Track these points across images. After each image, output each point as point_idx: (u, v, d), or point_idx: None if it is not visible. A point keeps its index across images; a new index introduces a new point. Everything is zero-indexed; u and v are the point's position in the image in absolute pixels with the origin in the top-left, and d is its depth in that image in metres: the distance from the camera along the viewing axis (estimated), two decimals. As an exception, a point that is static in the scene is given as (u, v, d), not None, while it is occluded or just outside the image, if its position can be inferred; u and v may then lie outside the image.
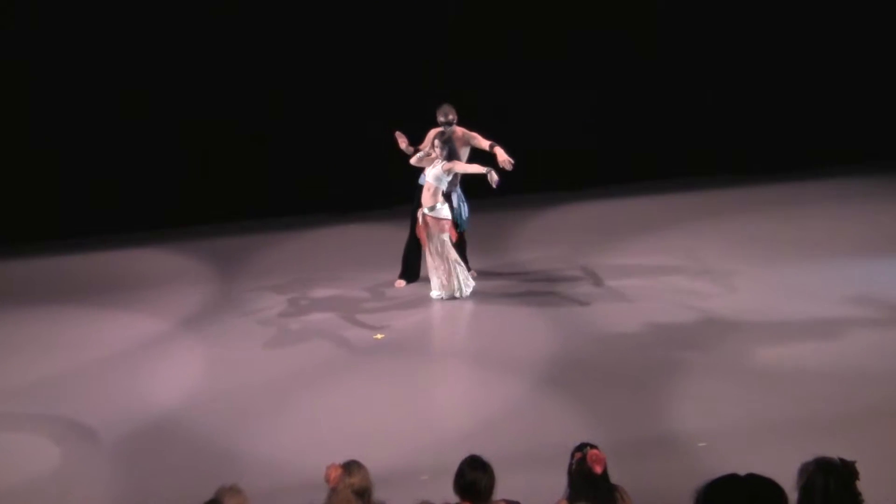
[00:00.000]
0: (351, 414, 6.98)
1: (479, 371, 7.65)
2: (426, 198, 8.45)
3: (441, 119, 8.50)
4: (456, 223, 8.54)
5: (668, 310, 8.37)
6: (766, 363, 7.40)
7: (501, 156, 8.41)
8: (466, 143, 8.54)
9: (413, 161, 8.54)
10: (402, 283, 9.02)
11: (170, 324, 8.60)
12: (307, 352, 7.95)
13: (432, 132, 8.54)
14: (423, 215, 8.45)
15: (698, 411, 6.78)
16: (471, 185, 8.77)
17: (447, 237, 8.48)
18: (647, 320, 8.25)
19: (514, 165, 8.28)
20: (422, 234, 8.62)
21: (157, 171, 11.06)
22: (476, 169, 8.24)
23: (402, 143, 8.36)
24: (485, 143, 8.51)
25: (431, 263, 8.63)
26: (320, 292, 9.12)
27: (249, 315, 8.71)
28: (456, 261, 8.56)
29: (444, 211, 8.44)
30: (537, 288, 9.07)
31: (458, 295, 8.76)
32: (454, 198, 8.56)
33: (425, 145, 8.59)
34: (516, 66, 11.30)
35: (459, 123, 8.62)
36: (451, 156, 8.52)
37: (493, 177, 8.02)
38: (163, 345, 8.23)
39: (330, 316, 8.60)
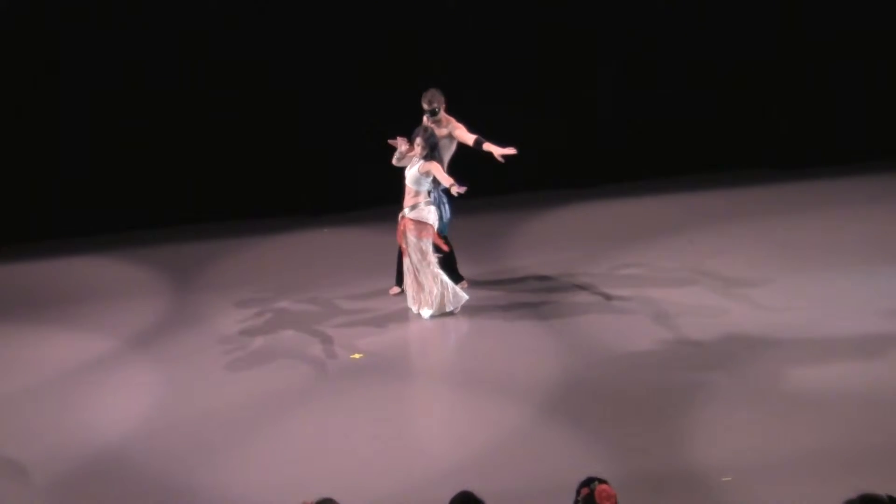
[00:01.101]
0: (325, 445, 6.99)
1: (472, 396, 7.65)
2: (407, 200, 8.52)
3: (426, 106, 8.58)
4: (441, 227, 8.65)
5: (688, 325, 8.40)
6: (801, 386, 7.43)
7: (496, 150, 8.42)
8: (450, 134, 8.63)
9: (393, 161, 8.59)
10: (398, 289, 9.05)
11: (115, 343, 8.62)
12: (275, 374, 7.96)
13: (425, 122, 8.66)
14: (403, 218, 8.52)
15: (723, 441, 6.79)
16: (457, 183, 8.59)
17: (429, 245, 8.51)
18: (665, 337, 8.26)
19: (508, 157, 8.37)
20: (400, 239, 8.64)
21: (100, 169, 11.13)
22: (447, 181, 8.29)
23: (402, 145, 8.44)
24: (469, 138, 8.57)
25: (409, 277, 8.66)
26: (289, 306, 9.15)
27: (209, 332, 8.72)
28: (440, 273, 8.60)
29: (428, 213, 8.51)
30: (537, 300, 9.07)
31: (448, 309, 8.74)
32: (432, 198, 8.63)
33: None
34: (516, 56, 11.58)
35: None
36: (433, 154, 8.51)
37: (457, 189, 8.17)
38: (107, 367, 8.24)
39: (301, 333, 8.62)
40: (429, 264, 8.54)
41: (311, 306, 9.13)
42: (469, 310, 8.83)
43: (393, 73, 11.13)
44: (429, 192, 8.57)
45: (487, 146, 8.41)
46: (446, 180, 8.32)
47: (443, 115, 8.65)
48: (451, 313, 8.72)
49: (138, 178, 11.20)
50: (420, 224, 8.49)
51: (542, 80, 11.61)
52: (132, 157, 11.13)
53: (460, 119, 8.83)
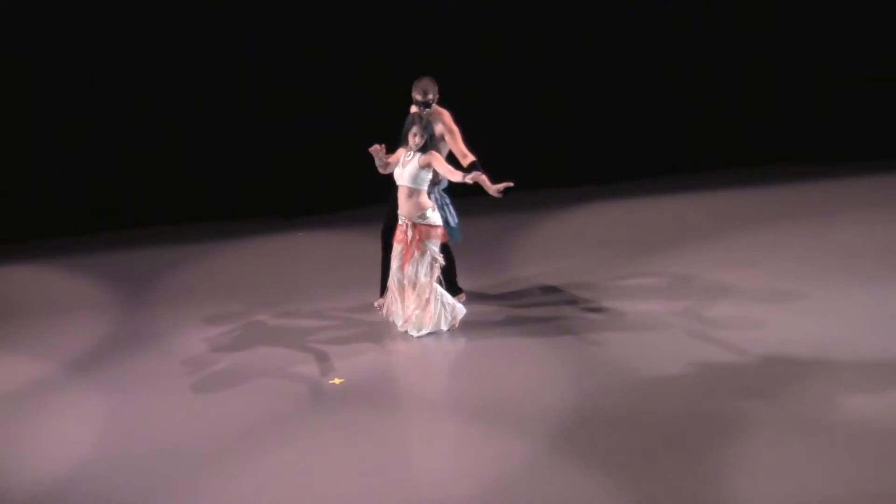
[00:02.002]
0: (303, 485, 6.93)
1: (471, 426, 7.59)
2: (407, 206, 8.52)
3: (418, 97, 8.61)
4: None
5: (721, 344, 8.38)
6: (854, 416, 7.35)
7: (490, 188, 8.38)
8: (442, 135, 8.68)
9: (380, 170, 8.59)
10: (384, 301, 9.05)
11: (54, 366, 8.55)
12: (243, 403, 7.92)
13: (412, 111, 8.68)
14: (414, 225, 8.52)
15: (762, 480, 6.72)
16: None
17: (437, 247, 8.56)
18: (694, 358, 8.21)
19: (501, 193, 8.40)
20: (408, 249, 8.60)
21: (38, 166, 11.24)
22: (457, 177, 8.34)
23: (378, 152, 8.48)
24: (463, 154, 8.58)
25: (399, 286, 8.68)
26: (259, 322, 9.18)
27: (164, 353, 8.70)
28: (437, 286, 8.65)
29: (437, 217, 8.57)
30: (546, 314, 9.06)
31: (444, 327, 8.78)
32: (432, 200, 8.68)
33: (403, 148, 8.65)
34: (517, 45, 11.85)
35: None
36: (432, 144, 8.55)
37: (471, 177, 8.21)
38: (44, 395, 8.15)
39: (273, 354, 8.60)
40: (434, 277, 8.60)
41: (284, 322, 9.16)
42: (468, 326, 8.85)
43: (373, 68, 11.42)
44: (429, 194, 8.56)
45: (480, 178, 8.32)
46: (455, 174, 8.32)
47: (435, 107, 8.70)
48: (448, 330, 8.78)
49: (81, 176, 11.29)
50: (432, 228, 8.54)
51: (549, 66, 11.88)
52: (74, 154, 11.24)
53: (453, 109, 8.84)
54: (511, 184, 8.33)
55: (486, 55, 11.64)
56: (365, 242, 9.47)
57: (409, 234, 8.56)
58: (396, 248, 8.65)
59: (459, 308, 8.78)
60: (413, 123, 8.47)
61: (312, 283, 9.92)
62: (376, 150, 8.47)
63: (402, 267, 8.63)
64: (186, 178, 11.55)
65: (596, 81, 12.07)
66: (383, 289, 9.00)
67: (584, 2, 11.85)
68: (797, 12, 12.27)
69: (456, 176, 8.36)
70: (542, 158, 11.87)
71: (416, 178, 8.48)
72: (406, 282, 8.63)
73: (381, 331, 8.88)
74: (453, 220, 8.75)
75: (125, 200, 11.41)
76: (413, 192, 8.49)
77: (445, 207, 8.71)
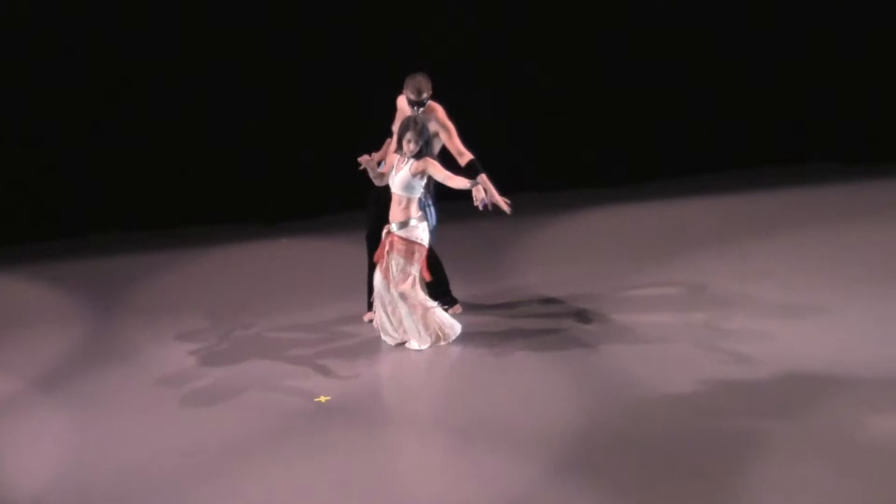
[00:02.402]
0: None
1: (466, 448, 7.52)
2: (395, 212, 8.52)
3: (411, 96, 8.60)
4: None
5: (735, 359, 8.32)
6: (878, 436, 7.26)
7: (492, 195, 8.41)
8: (436, 132, 8.70)
9: (374, 179, 8.60)
10: (372, 315, 9.07)
11: (19, 383, 8.51)
12: (223, 420, 7.87)
13: (400, 102, 8.69)
14: (389, 234, 8.51)
15: None
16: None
17: (416, 270, 8.52)
18: (707, 374, 8.13)
19: (510, 205, 8.49)
20: (381, 258, 8.60)
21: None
22: (458, 183, 8.34)
23: (368, 162, 8.51)
24: (460, 153, 8.59)
25: (383, 302, 8.67)
26: (240, 335, 9.17)
27: (138, 368, 8.67)
28: (431, 305, 8.64)
29: (422, 232, 8.52)
30: (548, 327, 9.05)
31: (442, 341, 8.76)
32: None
33: (391, 148, 8.64)
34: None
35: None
36: (428, 151, 8.51)
37: (481, 194, 8.23)
38: (8, 414, 8.10)
39: (254, 369, 8.57)
40: (416, 294, 8.55)
41: (267, 335, 9.15)
42: (463, 339, 8.82)
43: (360, 67, 11.63)
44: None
45: (487, 184, 8.35)
46: (456, 180, 8.34)
47: (432, 103, 8.72)
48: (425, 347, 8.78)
49: (46, 177, 11.36)
50: (410, 244, 8.46)
51: (555, 63, 12.06)
52: (41, 154, 11.34)
53: (446, 105, 8.82)
54: (507, 209, 8.44)
55: (486, 54, 11.87)
56: (353, 249, 9.42)
57: (386, 242, 8.56)
58: (384, 259, 8.63)
59: (455, 325, 8.78)
60: (407, 129, 8.41)
61: (297, 293, 9.93)
62: (366, 160, 8.47)
63: (385, 278, 8.61)
64: (162, 179, 11.62)
65: (597, 78, 12.21)
66: (372, 301, 9.01)
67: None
68: (818, 10, 12.51)
69: (458, 182, 8.34)
70: (543, 159, 11.97)
71: (407, 186, 8.44)
72: (389, 294, 8.61)
73: (371, 345, 8.86)
74: (431, 221, 8.70)
75: (95, 203, 11.47)
76: (402, 200, 8.47)
77: (427, 209, 8.66)
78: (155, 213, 11.63)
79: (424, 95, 8.56)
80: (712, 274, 9.90)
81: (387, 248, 8.52)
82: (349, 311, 9.33)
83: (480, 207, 8.30)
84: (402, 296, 8.54)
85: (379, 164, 8.66)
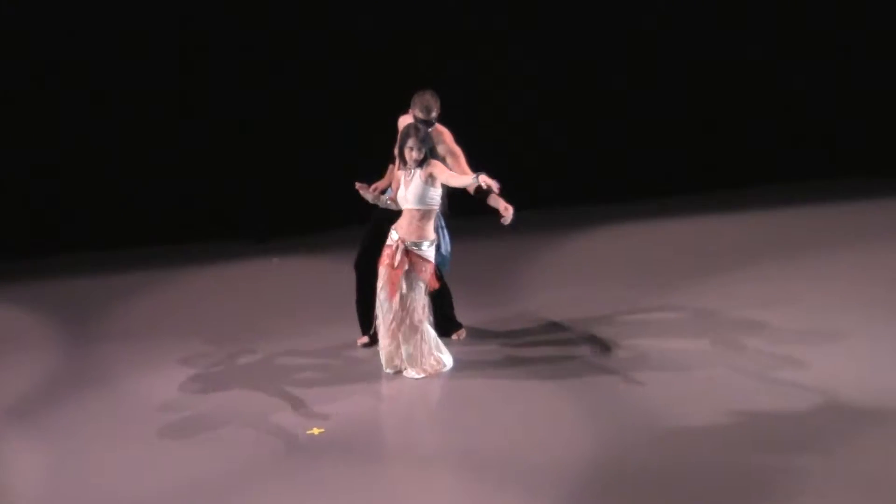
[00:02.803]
0: None
1: (471, 485, 7.45)
2: (410, 228, 8.49)
3: (420, 115, 8.66)
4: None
5: (760, 389, 8.25)
6: None
7: (493, 197, 8.44)
8: (444, 157, 8.76)
9: (381, 204, 8.65)
10: (367, 339, 9.18)
11: None
12: (207, 454, 7.80)
13: (402, 123, 8.73)
14: (403, 250, 8.48)
15: None
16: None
17: (424, 287, 8.54)
18: (731, 406, 8.03)
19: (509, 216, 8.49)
20: (395, 276, 8.51)
21: None
22: (462, 181, 8.35)
23: (367, 192, 8.64)
24: (466, 178, 8.50)
25: (387, 324, 8.64)
26: (226, 362, 9.16)
27: (118, 398, 8.65)
28: (421, 322, 8.63)
29: (431, 252, 8.57)
30: (559, 354, 9.02)
31: (440, 368, 8.74)
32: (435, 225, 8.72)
33: (395, 169, 8.63)
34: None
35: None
36: (433, 155, 8.51)
37: (488, 181, 8.08)
38: None
39: (242, 399, 8.54)
40: (423, 317, 8.57)
41: (255, 362, 9.14)
42: (467, 366, 8.80)
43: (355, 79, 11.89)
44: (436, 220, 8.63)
45: (489, 181, 8.26)
46: (459, 178, 8.32)
47: (439, 126, 8.80)
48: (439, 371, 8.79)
49: (18, 192, 11.50)
50: (424, 262, 8.50)
51: (561, 70, 12.30)
52: (8, 166, 11.48)
53: (452, 127, 8.89)
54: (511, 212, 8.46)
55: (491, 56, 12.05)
56: (348, 269, 9.33)
57: (398, 257, 8.47)
58: (382, 274, 8.57)
59: (446, 359, 8.76)
60: (409, 136, 8.41)
61: (288, 317, 9.95)
62: (363, 187, 8.52)
63: (389, 297, 8.56)
64: (140, 193, 11.75)
65: (615, 86, 12.38)
66: (364, 327, 9.10)
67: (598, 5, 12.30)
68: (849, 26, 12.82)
69: (461, 180, 8.31)
70: (553, 173, 12.14)
71: (423, 198, 8.40)
72: (396, 316, 8.57)
73: (367, 373, 8.82)
74: (445, 247, 8.79)
75: (72, 220, 11.62)
76: (422, 213, 8.45)
77: (440, 230, 8.73)
78: (132, 231, 11.76)
79: (433, 114, 8.62)
80: (734, 297, 9.91)
81: (402, 263, 8.47)
82: (344, 336, 9.32)
83: (484, 185, 8.18)
84: (412, 326, 8.55)
85: (384, 191, 8.75)
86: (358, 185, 8.54)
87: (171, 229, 11.84)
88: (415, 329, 8.58)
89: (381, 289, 8.58)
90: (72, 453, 7.91)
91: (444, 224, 8.77)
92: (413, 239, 8.44)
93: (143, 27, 11.62)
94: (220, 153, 11.82)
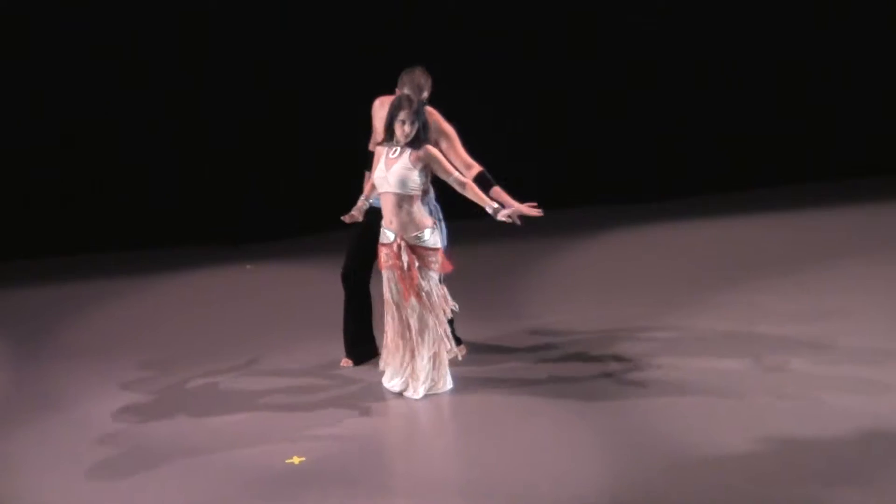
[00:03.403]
0: None
1: None
2: (398, 219, 8.39)
3: (411, 94, 8.61)
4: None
5: (799, 415, 8.11)
6: None
7: (516, 209, 8.43)
8: (437, 141, 8.80)
9: (366, 207, 8.67)
10: (350, 362, 9.23)
11: None
12: (174, 486, 7.69)
13: (378, 107, 8.79)
14: (406, 246, 8.40)
15: None
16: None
17: (437, 279, 8.47)
18: (766, 433, 7.84)
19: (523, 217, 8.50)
20: (412, 277, 8.44)
21: None
22: (472, 195, 8.35)
23: (357, 216, 8.74)
24: (467, 164, 8.67)
25: (397, 331, 8.58)
26: (193, 380, 9.14)
27: (70, 422, 8.57)
28: (445, 338, 8.62)
29: (436, 238, 8.49)
30: (572, 373, 8.97)
31: (441, 387, 8.70)
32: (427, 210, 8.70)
33: (376, 156, 8.56)
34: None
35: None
36: (426, 136, 8.40)
37: (500, 217, 8.25)
38: None
39: (212, 422, 8.49)
40: (438, 309, 8.47)
41: (227, 381, 9.13)
42: (469, 387, 8.75)
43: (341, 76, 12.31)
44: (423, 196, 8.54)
45: (497, 196, 8.42)
46: (471, 191, 8.31)
47: (430, 109, 8.80)
48: (440, 391, 8.75)
49: None
50: (430, 252, 8.40)
51: (580, 65, 12.83)
52: None
53: (446, 112, 8.90)
54: (538, 212, 8.47)
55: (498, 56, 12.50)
56: (330, 276, 9.41)
57: (405, 257, 8.39)
58: (388, 276, 8.51)
59: (445, 382, 8.72)
60: (400, 108, 8.30)
61: (264, 330, 10.02)
62: (354, 218, 8.59)
63: (405, 299, 8.50)
64: (107, 195, 12.05)
65: (634, 78, 12.78)
66: (352, 350, 9.17)
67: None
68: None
69: (471, 193, 8.31)
70: (564, 170, 12.48)
71: (405, 182, 8.28)
72: (414, 320, 8.50)
73: (355, 392, 8.79)
74: (443, 240, 8.73)
75: (25, 223, 11.92)
76: (403, 200, 8.31)
77: (440, 224, 8.73)
78: (92, 234, 12.01)
79: (425, 94, 8.63)
80: (765, 310, 9.91)
81: (415, 262, 8.39)
82: (327, 351, 9.33)
83: (514, 220, 8.32)
84: (436, 324, 8.50)
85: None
86: (347, 218, 8.59)
87: (135, 233, 12.11)
88: (437, 334, 8.51)
89: (388, 289, 8.51)
90: (16, 483, 7.80)
91: (441, 216, 8.78)
92: (412, 233, 8.35)
93: (108, 26, 12.00)
94: (191, 151, 12.15)
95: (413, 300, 8.44)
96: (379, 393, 8.73)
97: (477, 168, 8.63)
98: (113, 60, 12.11)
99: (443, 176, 8.36)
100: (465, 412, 8.52)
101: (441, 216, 8.79)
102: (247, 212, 12.25)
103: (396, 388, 8.64)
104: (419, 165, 8.27)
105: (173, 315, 10.52)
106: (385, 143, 8.38)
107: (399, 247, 8.35)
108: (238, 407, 8.66)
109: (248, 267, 11.47)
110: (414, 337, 8.53)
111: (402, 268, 8.39)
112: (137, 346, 9.81)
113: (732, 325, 9.69)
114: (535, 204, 8.42)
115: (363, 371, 9.00)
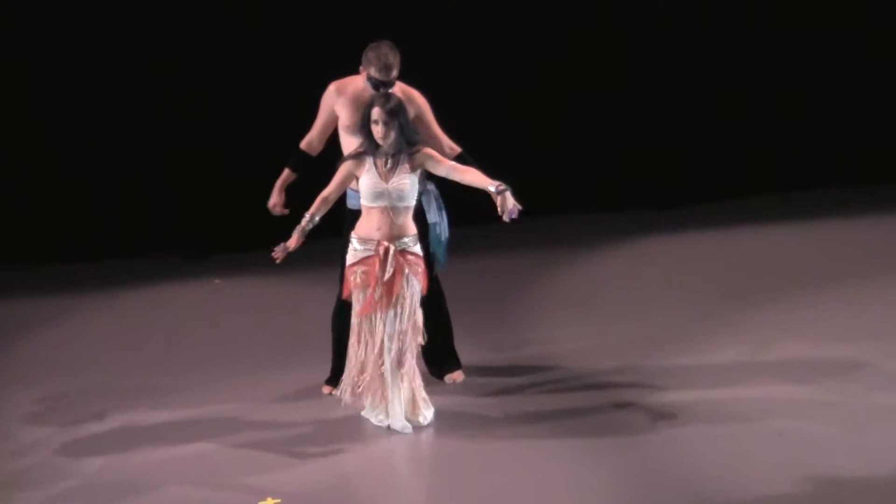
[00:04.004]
0: None
1: None
2: (390, 231, 8.26)
3: (378, 76, 8.48)
4: (428, 262, 8.65)
5: (837, 449, 7.91)
6: None
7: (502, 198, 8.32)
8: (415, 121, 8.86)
9: (308, 220, 8.45)
10: (329, 389, 9.02)
11: None
12: None
13: (334, 93, 8.70)
14: (395, 252, 8.25)
15: None
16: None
17: (418, 297, 8.37)
18: (801, 470, 7.65)
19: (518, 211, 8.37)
20: (396, 285, 8.29)
21: None
22: (474, 178, 8.21)
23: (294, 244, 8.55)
24: (449, 146, 8.72)
25: (376, 351, 8.37)
26: (150, 411, 9.00)
27: (10, 454, 8.43)
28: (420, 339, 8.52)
29: (419, 246, 8.43)
30: (584, 403, 8.84)
31: (421, 420, 8.50)
32: (423, 200, 8.64)
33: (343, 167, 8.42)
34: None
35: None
36: (413, 131, 8.27)
37: (510, 203, 8.02)
38: None
39: (173, 457, 8.30)
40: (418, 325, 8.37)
41: (189, 410, 9.00)
42: (466, 420, 8.62)
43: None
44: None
45: (479, 179, 8.29)
46: (472, 175, 8.17)
47: (398, 84, 8.73)
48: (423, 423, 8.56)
49: None
50: (416, 258, 8.30)
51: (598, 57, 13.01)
52: None
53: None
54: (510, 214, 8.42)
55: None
56: (308, 291, 9.70)
57: (389, 267, 8.20)
58: (362, 295, 8.29)
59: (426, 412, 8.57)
60: (371, 106, 8.16)
61: (233, 352, 10.00)
62: (287, 252, 8.42)
63: (383, 311, 8.31)
64: (56, 201, 12.14)
65: (657, 71, 12.85)
66: (336, 373, 8.89)
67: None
68: None
69: (472, 177, 8.13)
70: (575, 172, 12.43)
71: (409, 195, 8.21)
72: (395, 336, 8.33)
73: (338, 425, 8.65)
74: (445, 230, 8.78)
75: None
76: (402, 212, 8.23)
77: (440, 211, 8.72)
78: (39, 244, 11.95)
79: (394, 74, 8.46)
80: (804, 329, 9.91)
81: (389, 271, 8.23)
82: (304, 376, 9.27)
83: (507, 219, 8.12)
84: (412, 346, 8.36)
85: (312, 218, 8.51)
86: (280, 254, 8.42)
87: (85, 242, 12.06)
88: (413, 352, 8.40)
89: (367, 307, 8.32)
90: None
91: (442, 204, 8.77)
92: (401, 238, 8.23)
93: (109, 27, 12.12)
94: (151, 155, 12.13)
95: (390, 312, 8.27)
96: (365, 425, 8.55)
97: (457, 149, 8.69)
98: (67, 59, 12.19)
99: (441, 172, 8.28)
100: (457, 448, 8.37)
101: (443, 203, 8.78)
102: (215, 219, 12.32)
103: (377, 421, 8.50)
104: (417, 171, 8.21)
105: (127, 335, 10.39)
106: (367, 153, 8.20)
107: (386, 253, 8.20)
108: (202, 438, 8.50)
109: (215, 281, 11.48)
110: (403, 353, 8.37)
111: (382, 280, 8.24)
112: (83, 372, 9.73)
113: (765, 345, 9.61)
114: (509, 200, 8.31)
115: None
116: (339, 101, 8.60)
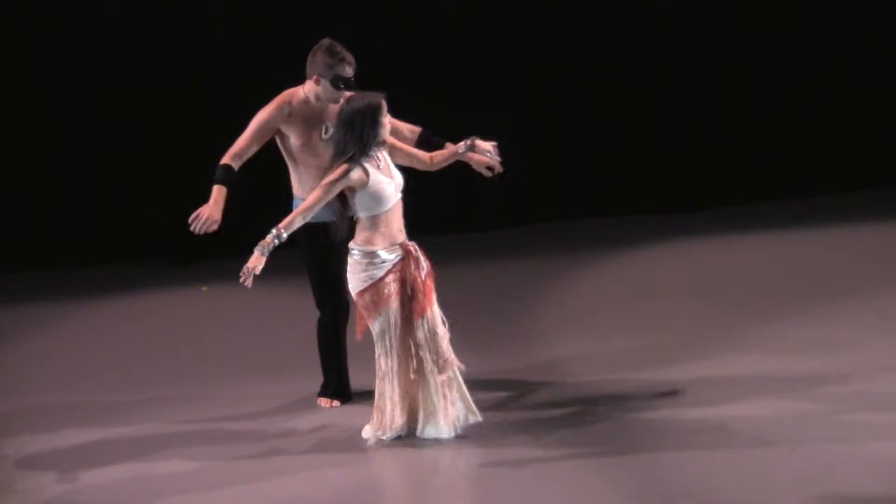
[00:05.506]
0: None
1: None
2: (402, 230, 8.43)
3: (346, 73, 8.68)
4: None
5: (861, 469, 7.82)
6: None
7: (479, 152, 8.54)
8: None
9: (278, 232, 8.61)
10: (328, 401, 9.20)
11: None
12: None
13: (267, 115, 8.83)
14: (414, 248, 8.40)
15: None
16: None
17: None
18: (830, 490, 7.63)
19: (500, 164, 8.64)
20: (429, 288, 8.38)
21: None
22: (443, 154, 8.59)
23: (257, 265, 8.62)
24: (410, 129, 8.87)
25: (411, 359, 8.41)
26: (136, 426, 9.05)
27: None
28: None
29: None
30: (594, 419, 8.84)
31: (445, 434, 8.48)
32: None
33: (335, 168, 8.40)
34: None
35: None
36: (371, 131, 8.30)
37: (486, 145, 8.34)
38: None
39: (158, 475, 8.29)
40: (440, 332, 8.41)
41: (176, 425, 9.05)
42: (467, 437, 8.60)
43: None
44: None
45: (447, 150, 8.59)
46: (440, 154, 8.51)
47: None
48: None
49: None
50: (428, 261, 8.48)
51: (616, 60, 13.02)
52: None
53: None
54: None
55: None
56: (299, 299, 9.52)
57: (423, 263, 8.33)
58: (398, 302, 8.33)
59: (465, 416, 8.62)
60: (379, 109, 8.21)
61: (221, 363, 10.07)
62: (250, 273, 8.47)
63: (417, 317, 8.38)
64: (37, 207, 12.14)
65: (674, 72, 12.98)
66: (328, 385, 9.13)
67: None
68: None
69: (435, 154, 8.49)
70: (588, 176, 12.45)
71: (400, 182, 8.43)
72: (433, 342, 8.42)
73: (339, 441, 8.69)
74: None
75: None
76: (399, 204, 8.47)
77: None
78: (18, 252, 12.09)
79: (349, 70, 8.69)
80: (829, 343, 9.86)
81: (427, 267, 8.37)
82: (298, 388, 9.37)
83: (498, 167, 8.36)
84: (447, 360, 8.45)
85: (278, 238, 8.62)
86: (248, 277, 8.46)
87: (70, 249, 12.20)
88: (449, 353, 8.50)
89: (405, 310, 8.37)
90: None
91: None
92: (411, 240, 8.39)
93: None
94: (137, 155, 12.30)
95: (427, 314, 8.36)
96: (359, 439, 8.53)
97: (417, 130, 8.82)
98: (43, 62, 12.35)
99: (406, 161, 8.47)
100: (464, 465, 8.40)
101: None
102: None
103: (404, 433, 8.48)
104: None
105: (111, 345, 10.54)
106: (362, 160, 8.21)
107: (417, 249, 8.31)
108: (189, 455, 8.49)
109: (203, 288, 11.58)
110: (440, 358, 8.42)
111: (420, 277, 8.33)
112: (66, 383, 9.78)
113: (787, 360, 9.56)
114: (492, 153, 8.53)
115: (346, 413, 8.93)
116: (290, 120, 8.71)
